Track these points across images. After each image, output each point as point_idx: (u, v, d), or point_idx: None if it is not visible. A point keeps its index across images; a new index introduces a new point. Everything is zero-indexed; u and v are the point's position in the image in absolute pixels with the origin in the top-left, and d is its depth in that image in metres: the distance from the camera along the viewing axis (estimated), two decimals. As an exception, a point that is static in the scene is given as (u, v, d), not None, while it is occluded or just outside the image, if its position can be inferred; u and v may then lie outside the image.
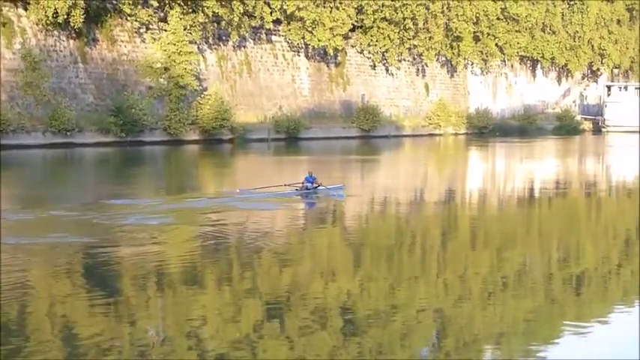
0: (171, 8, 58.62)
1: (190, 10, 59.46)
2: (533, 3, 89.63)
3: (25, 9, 52.72)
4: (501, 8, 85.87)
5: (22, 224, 22.69)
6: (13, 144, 47.82)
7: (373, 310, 13.67)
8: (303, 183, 30.58)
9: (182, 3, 58.92)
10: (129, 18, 58.28)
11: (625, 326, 13.58)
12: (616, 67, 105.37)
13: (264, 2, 64.39)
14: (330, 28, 69.22)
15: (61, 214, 24.87)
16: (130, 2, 56.95)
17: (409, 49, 78.72)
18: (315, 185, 30.81)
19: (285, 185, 31.70)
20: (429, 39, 79.24)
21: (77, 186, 35.76)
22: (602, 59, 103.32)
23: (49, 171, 42.25)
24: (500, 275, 18.00)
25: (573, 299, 16.19)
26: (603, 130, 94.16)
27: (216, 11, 60.47)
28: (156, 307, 14.18)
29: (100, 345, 11.00)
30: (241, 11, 62.33)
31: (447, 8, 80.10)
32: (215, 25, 62.93)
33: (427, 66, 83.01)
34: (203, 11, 59.92)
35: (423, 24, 77.39)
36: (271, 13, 65.56)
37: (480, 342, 12.23)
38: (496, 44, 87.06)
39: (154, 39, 59.59)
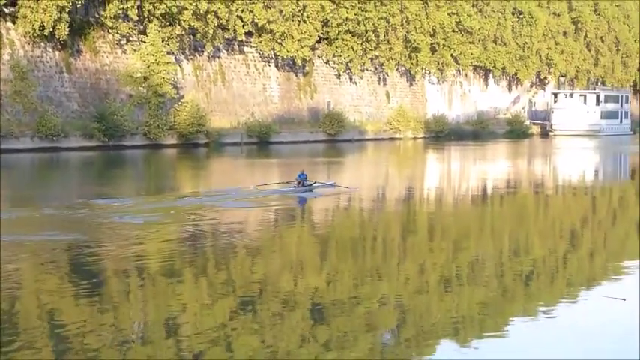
0: (150, 22, 58.73)
1: (168, 24, 59.67)
2: (485, 17, 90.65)
3: (14, 22, 52.81)
4: (456, 22, 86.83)
5: (14, 222, 22.71)
6: (3, 148, 47.72)
7: (340, 299, 14.06)
8: (298, 181, 30.86)
9: (160, 17, 58.96)
10: (110, 31, 58.36)
11: (570, 313, 13.91)
12: (562, 76, 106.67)
13: (237, 16, 64.55)
14: (298, 40, 69.81)
15: (51, 212, 24.92)
16: (112, 16, 57.09)
17: (371, 59, 79.44)
18: (310, 182, 31.15)
19: (284, 183, 32.39)
20: (390, 50, 80.00)
21: (64, 187, 36.07)
22: (549, 68, 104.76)
23: (37, 174, 42.30)
24: (455, 266, 18.17)
25: (523, 289, 16.33)
26: (550, 134, 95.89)
27: (192, 24, 60.60)
28: (137, 298, 14.49)
29: (84, 333, 11.29)
30: (215, 24, 62.42)
31: (406, 21, 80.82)
32: (191, 37, 63.13)
33: (388, 75, 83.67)
34: (180, 24, 60.09)
35: (384, 36, 78.12)
36: (243, 26, 65.90)
37: (437, 328, 12.53)
38: (451, 55, 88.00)
39: (134, 50, 59.76)
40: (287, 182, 32.27)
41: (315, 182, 31.79)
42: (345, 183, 36.74)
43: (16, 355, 10.19)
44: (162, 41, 59.33)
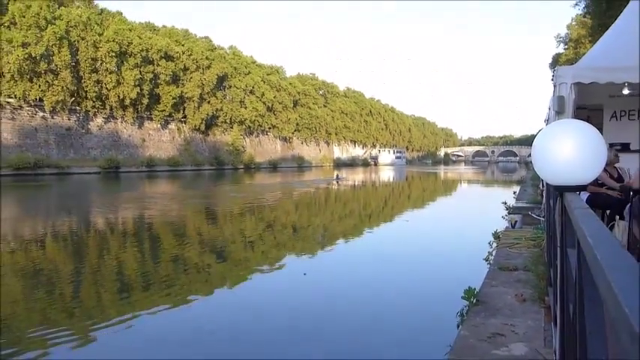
0: (234, 123, 60.14)
1: (241, 124, 60.91)
2: (353, 121, 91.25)
3: (185, 123, 54.18)
4: (344, 124, 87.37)
5: (185, 194, 22.08)
6: (180, 169, 48.40)
7: (303, 224, 13.41)
8: (336, 175, 33.50)
9: (238, 122, 60.42)
10: (220, 126, 59.00)
11: (389, 226, 12.84)
12: (382, 144, 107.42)
13: (265, 121, 66.23)
14: (286, 129, 70.82)
15: (198, 192, 23.58)
16: (221, 121, 58.68)
17: (313, 137, 79.48)
18: (340, 176, 33.67)
19: (332, 176, 33.99)
20: (320, 134, 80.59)
21: (204, 182, 34.32)
22: (377, 141, 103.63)
23: (193, 179, 40.00)
24: (349, 209, 17.40)
25: (367, 215, 15.74)
26: (378, 165, 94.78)
27: (249, 125, 62.08)
28: (227, 221, 13.62)
29: (211, 238, 10.74)
30: (258, 124, 64.03)
31: (326, 123, 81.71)
32: (249, 128, 63.59)
33: (319, 142, 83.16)
34: (244, 124, 61.35)
35: (318, 129, 78.97)
36: (268, 125, 67.36)
37: (339, 233, 11.59)
38: (342, 135, 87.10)
39: (229, 134, 60.05)
40: (332, 177, 34.18)
41: (342, 176, 34.32)
42: (304, 180, 36.57)
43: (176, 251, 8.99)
44: (239, 131, 60.62)
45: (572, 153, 1.31)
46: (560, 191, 1.42)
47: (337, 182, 31.85)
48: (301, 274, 7.07)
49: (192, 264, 8.17)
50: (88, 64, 43.48)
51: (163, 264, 8.12)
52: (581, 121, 1.41)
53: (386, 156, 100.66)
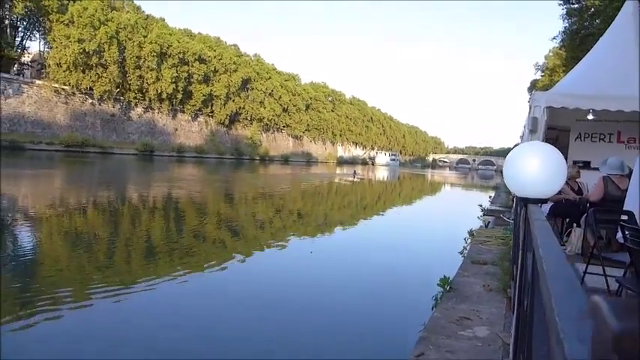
0: (253, 120, 59.83)
1: (259, 122, 60.44)
2: (355, 125, 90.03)
3: (212, 117, 53.95)
4: (348, 127, 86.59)
5: (211, 178, 21.32)
6: (206, 156, 48.03)
7: (308, 211, 12.59)
8: (354, 172, 33.57)
9: (257, 120, 59.89)
10: (241, 122, 58.88)
11: (384, 216, 12.16)
12: (379, 147, 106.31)
13: (280, 120, 65.80)
14: (298, 129, 70.08)
15: (221, 177, 22.99)
16: (242, 118, 58.49)
17: (321, 137, 78.33)
18: (356, 172, 33.83)
19: (352, 172, 33.92)
20: (327, 134, 79.35)
21: (227, 169, 33.57)
22: (375, 144, 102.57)
23: (216, 166, 39.07)
24: (347, 200, 16.52)
25: (351, 203, 15.18)
26: (375, 164, 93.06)
27: (267, 122, 61.59)
28: (242, 202, 12.94)
29: (226, 214, 10.12)
30: (274, 123, 63.31)
31: (332, 125, 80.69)
32: (266, 125, 62.98)
33: (325, 142, 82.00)
34: (262, 121, 60.73)
35: (325, 130, 78.15)
36: (282, 123, 66.85)
37: (334, 218, 10.98)
38: (345, 137, 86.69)
39: (248, 129, 59.63)
40: (351, 172, 33.89)
41: (358, 172, 34.47)
42: (310, 173, 35.46)
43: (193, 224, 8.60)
44: (257, 127, 60.11)
45: (537, 171, 1.32)
46: (524, 202, 1.43)
47: (354, 177, 32.12)
48: (309, 252, 7.22)
49: (232, 233, 8.23)
50: (132, 61, 44.11)
51: (193, 235, 7.91)
52: (547, 145, 1.41)
53: (382, 157, 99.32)
